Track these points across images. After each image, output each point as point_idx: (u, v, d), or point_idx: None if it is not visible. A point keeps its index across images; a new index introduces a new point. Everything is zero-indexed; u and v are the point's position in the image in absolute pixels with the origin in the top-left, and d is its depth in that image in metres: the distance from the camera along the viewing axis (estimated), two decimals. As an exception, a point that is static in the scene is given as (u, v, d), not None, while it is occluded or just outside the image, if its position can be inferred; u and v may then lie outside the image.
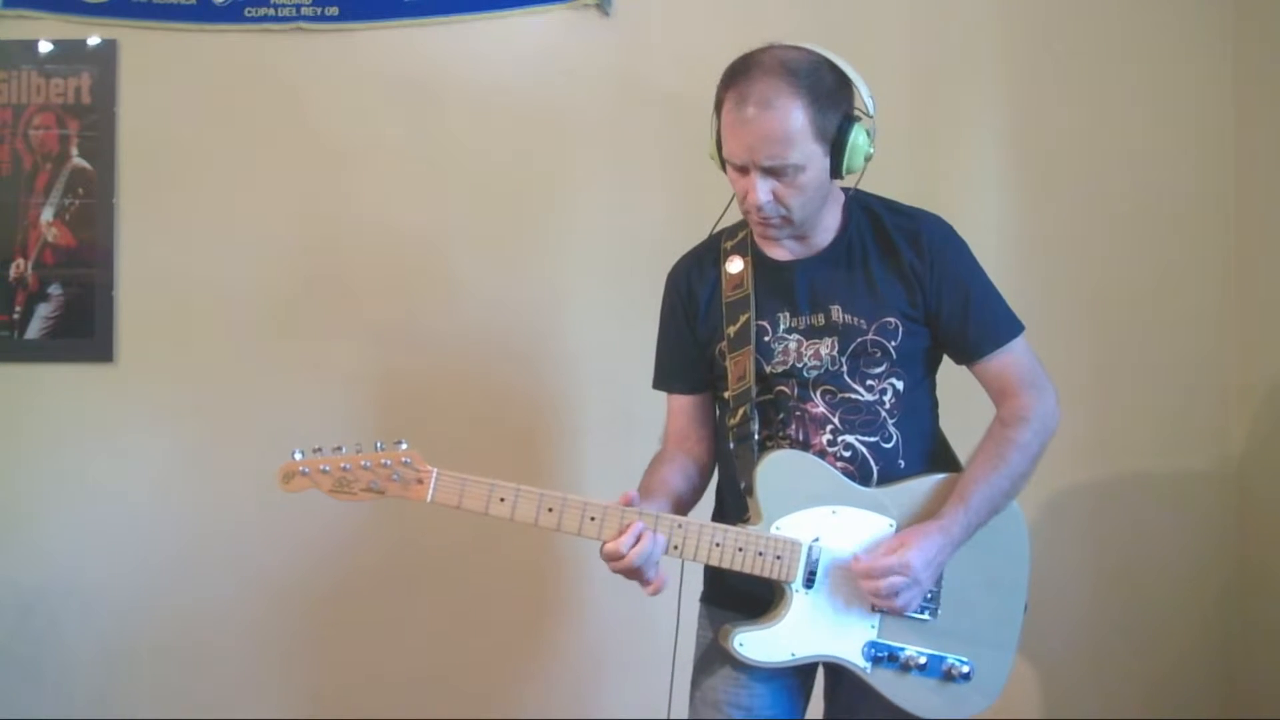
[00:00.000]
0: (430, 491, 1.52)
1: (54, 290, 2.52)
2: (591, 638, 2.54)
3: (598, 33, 2.50)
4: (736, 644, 1.55)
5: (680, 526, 1.54)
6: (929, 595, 1.57)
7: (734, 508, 1.66)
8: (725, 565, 1.55)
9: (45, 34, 2.52)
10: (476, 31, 2.51)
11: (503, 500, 1.52)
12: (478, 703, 2.51)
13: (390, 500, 2.48)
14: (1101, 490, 2.49)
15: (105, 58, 2.51)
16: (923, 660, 1.56)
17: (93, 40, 2.52)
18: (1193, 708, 2.44)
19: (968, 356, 1.63)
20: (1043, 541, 2.46)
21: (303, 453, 1.52)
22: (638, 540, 1.50)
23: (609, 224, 2.51)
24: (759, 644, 1.56)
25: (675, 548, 1.54)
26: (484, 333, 2.51)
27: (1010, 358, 1.62)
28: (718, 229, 1.73)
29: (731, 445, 1.64)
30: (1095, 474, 2.49)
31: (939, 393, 1.72)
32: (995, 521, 1.59)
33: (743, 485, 1.60)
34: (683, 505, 1.66)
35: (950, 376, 1.72)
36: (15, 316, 2.52)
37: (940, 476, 1.61)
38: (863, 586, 1.53)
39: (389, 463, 1.51)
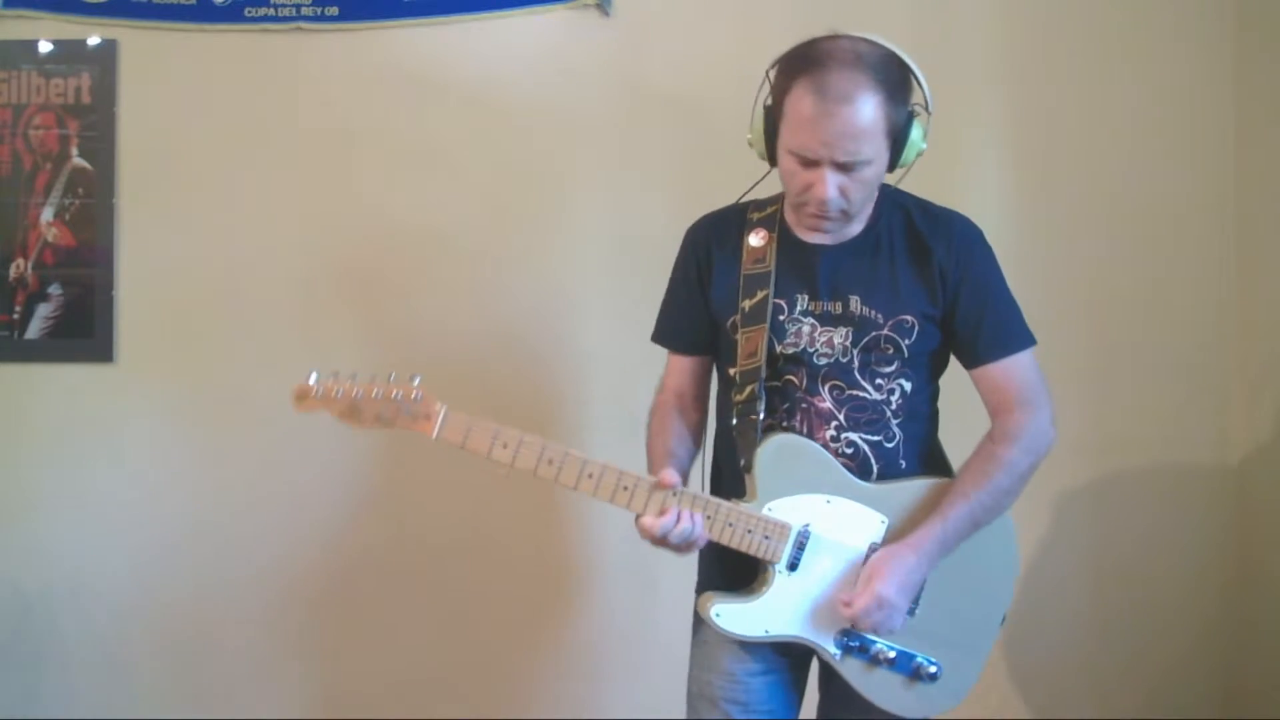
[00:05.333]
0: (437, 428, 1.54)
1: (54, 290, 2.52)
2: (594, 637, 2.54)
3: (598, 33, 2.50)
4: (714, 613, 1.58)
5: (674, 494, 1.55)
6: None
7: (730, 484, 1.66)
8: (714, 538, 1.56)
9: (45, 34, 2.52)
10: (476, 31, 2.51)
11: (505, 446, 1.54)
12: (480, 702, 2.52)
13: (393, 499, 2.52)
14: (1101, 489, 2.49)
15: (105, 58, 2.51)
16: (892, 655, 1.58)
17: (93, 40, 2.51)
18: (1193, 708, 2.44)
19: (976, 359, 1.63)
20: (1042, 541, 2.48)
21: (318, 375, 1.57)
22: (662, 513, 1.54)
23: (609, 223, 2.51)
24: (735, 616, 1.58)
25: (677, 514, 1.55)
26: (485, 332, 2.51)
27: (1015, 368, 1.62)
28: (745, 199, 1.72)
29: (734, 421, 1.62)
30: (1095, 473, 2.49)
31: (941, 403, 1.73)
32: (986, 532, 1.59)
33: (742, 463, 1.60)
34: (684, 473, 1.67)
35: (954, 386, 1.72)
36: (15, 316, 2.52)
37: (935, 480, 1.62)
38: (851, 627, 1.56)
39: (400, 396, 1.55)
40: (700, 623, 1.72)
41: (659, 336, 1.77)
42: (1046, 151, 2.49)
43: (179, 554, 2.52)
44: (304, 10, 2.50)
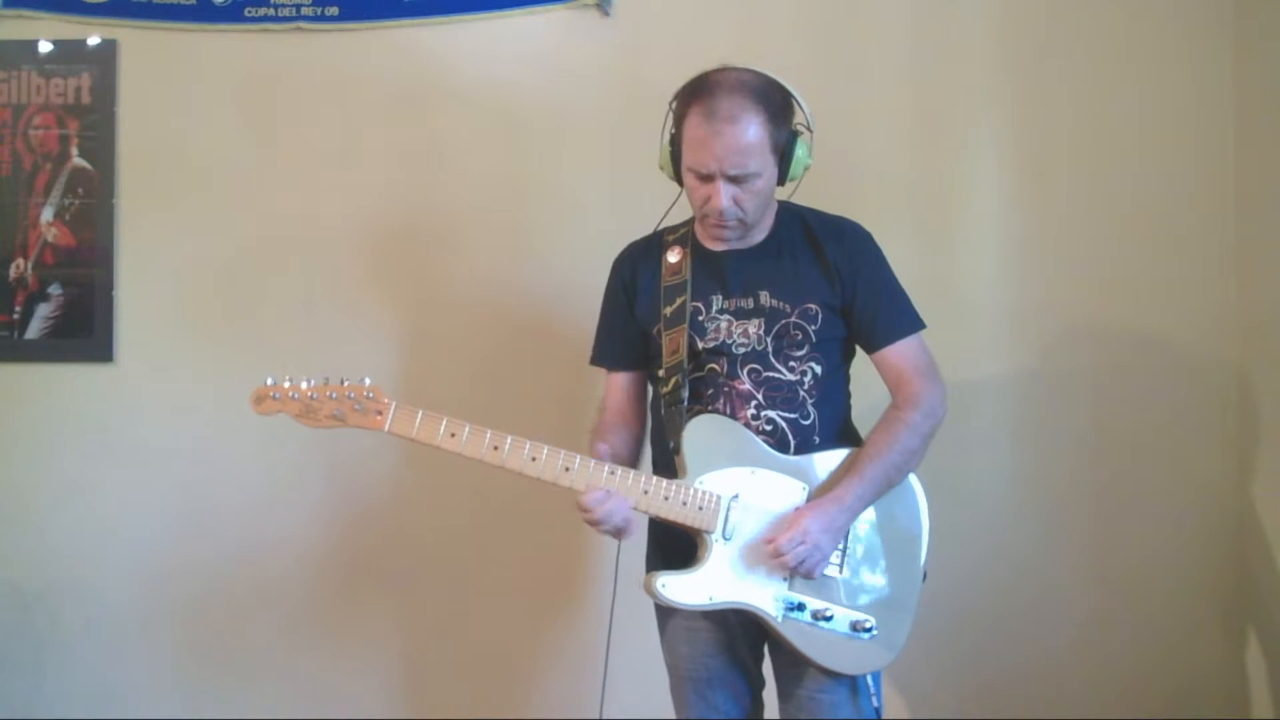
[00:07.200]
0: (388, 422, 1.67)
1: (54, 290, 2.53)
2: (595, 637, 2.53)
3: (598, 33, 2.50)
4: (659, 585, 1.68)
5: (614, 473, 1.68)
6: (838, 553, 1.71)
7: (667, 473, 1.76)
8: (653, 512, 1.69)
9: (45, 34, 2.52)
10: (476, 31, 2.52)
11: (453, 435, 1.67)
12: (481, 702, 2.52)
13: (394, 500, 2.52)
14: (1102, 490, 2.49)
15: (105, 58, 2.51)
16: (829, 613, 1.69)
17: (93, 40, 2.52)
18: (1193, 708, 2.44)
19: (875, 343, 1.80)
20: (1043, 541, 2.48)
21: (275, 379, 1.68)
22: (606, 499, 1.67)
23: (607, 224, 2.50)
24: (680, 586, 1.68)
25: (606, 492, 1.68)
26: (484, 332, 2.51)
27: (910, 348, 1.79)
28: (661, 227, 1.91)
29: (663, 411, 1.79)
30: (1096, 474, 2.48)
31: (853, 387, 1.89)
32: (896, 498, 1.75)
33: (671, 445, 1.75)
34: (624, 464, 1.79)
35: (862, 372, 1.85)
36: (15, 316, 2.52)
37: (848, 449, 1.77)
38: (776, 564, 1.67)
39: (353, 395, 1.66)
40: (658, 612, 1.87)
41: (596, 358, 1.94)
42: (1047, 152, 2.49)
43: (179, 554, 2.52)
44: (304, 10, 2.51)
